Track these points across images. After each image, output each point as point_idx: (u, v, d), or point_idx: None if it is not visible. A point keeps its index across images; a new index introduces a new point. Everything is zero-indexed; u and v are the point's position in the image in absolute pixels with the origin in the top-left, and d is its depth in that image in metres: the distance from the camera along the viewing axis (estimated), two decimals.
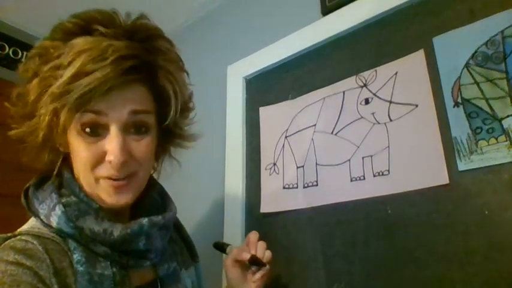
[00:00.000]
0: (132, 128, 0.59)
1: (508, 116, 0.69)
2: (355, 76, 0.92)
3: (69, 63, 0.52)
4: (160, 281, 0.65)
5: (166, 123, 0.63)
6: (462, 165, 0.72)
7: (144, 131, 0.60)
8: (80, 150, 0.57)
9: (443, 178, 0.73)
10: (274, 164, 1.02)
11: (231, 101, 1.17)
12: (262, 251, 0.77)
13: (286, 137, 1.02)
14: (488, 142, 0.70)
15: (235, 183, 1.07)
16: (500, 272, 0.65)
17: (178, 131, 0.68)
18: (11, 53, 1.53)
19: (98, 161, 0.57)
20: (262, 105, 1.09)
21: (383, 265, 0.77)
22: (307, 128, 0.98)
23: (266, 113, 1.08)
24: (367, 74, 0.90)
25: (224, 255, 0.83)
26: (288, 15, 1.13)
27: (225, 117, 1.16)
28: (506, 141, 0.68)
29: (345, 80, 0.93)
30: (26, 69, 0.59)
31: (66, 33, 0.57)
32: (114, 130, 0.56)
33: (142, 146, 0.60)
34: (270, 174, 1.02)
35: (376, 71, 0.89)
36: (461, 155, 0.72)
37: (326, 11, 1.02)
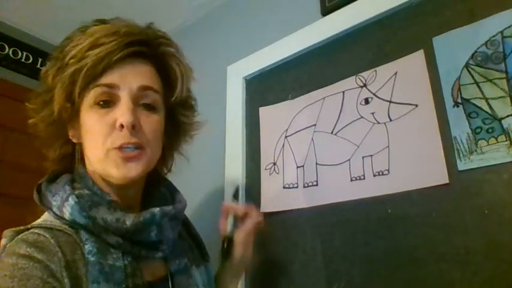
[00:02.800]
0: (142, 104, 0.62)
1: (507, 116, 0.69)
2: (354, 76, 0.92)
3: (86, 40, 0.59)
4: (171, 277, 0.65)
5: (173, 100, 0.67)
6: (462, 165, 0.72)
7: (152, 107, 0.64)
8: (93, 122, 0.60)
9: (443, 178, 0.73)
10: (274, 164, 1.02)
11: (231, 101, 1.17)
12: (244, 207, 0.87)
13: (286, 136, 1.02)
14: (488, 142, 0.70)
15: (235, 183, 1.07)
16: (500, 271, 0.65)
17: (184, 119, 0.72)
18: (10, 53, 1.53)
19: (110, 130, 0.59)
20: (262, 105, 1.09)
21: (383, 265, 0.77)
22: (307, 128, 0.98)
23: (266, 113, 1.08)
24: (366, 74, 0.90)
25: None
26: (288, 15, 1.13)
27: (225, 117, 1.16)
28: (506, 141, 0.68)
29: (344, 80, 0.94)
30: (49, 63, 0.63)
31: (85, 28, 0.62)
32: (124, 97, 0.60)
33: (151, 121, 0.63)
34: (270, 174, 1.02)
35: (375, 71, 0.89)
36: (461, 154, 0.72)
37: (326, 11, 1.02)
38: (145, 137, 0.61)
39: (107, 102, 0.60)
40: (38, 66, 1.60)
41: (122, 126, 0.58)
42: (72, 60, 0.58)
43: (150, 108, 0.63)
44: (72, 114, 0.61)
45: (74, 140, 0.65)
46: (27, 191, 1.50)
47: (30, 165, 1.52)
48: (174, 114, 0.70)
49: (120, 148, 0.59)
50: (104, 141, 0.59)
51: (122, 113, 0.59)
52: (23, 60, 1.56)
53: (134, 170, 0.60)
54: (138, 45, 0.61)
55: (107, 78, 0.59)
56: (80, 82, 0.58)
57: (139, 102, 0.62)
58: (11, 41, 1.54)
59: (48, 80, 0.61)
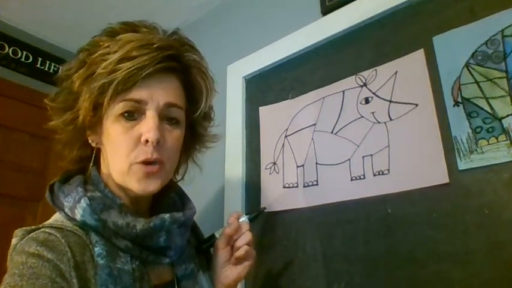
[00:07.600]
0: (165, 118, 0.63)
1: (508, 115, 0.69)
2: (355, 75, 0.92)
3: (117, 50, 0.58)
4: (177, 281, 0.65)
5: (196, 115, 0.69)
6: (462, 165, 0.72)
7: (175, 122, 0.65)
8: (117, 134, 0.60)
9: (443, 177, 0.73)
10: (274, 164, 1.02)
11: (231, 101, 1.17)
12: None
13: (286, 136, 1.02)
14: (488, 141, 0.70)
15: (235, 182, 1.07)
16: (500, 271, 0.65)
17: (203, 131, 0.73)
18: (10, 52, 1.53)
19: (134, 144, 0.60)
20: (262, 105, 1.09)
21: (383, 265, 0.77)
22: (307, 127, 0.98)
23: (266, 113, 1.08)
24: (367, 74, 0.90)
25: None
26: (288, 15, 1.13)
27: (225, 117, 1.16)
28: (507, 140, 0.68)
29: (344, 80, 0.93)
30: (73, 63, 0.63)
31: (114, 32, 0.62)
32: (150, 113, 0.61)
33: (173, 136, 0.64)
34: (270, 174, 1.02)
35: (376, 70, 0.89)
36: (461, 154, 0.72)
37: (326, 10, 1.02)
38: (167, 153, 0.62)
39: (132, 115, 0.61)
40: (38, 65, 1.61)
41: (146, 141, 0.59)
42: (102, 71, 0.57)
43: (173, 123, 0.64)
44: (95, 121, 0.62)
45: (93, 145, 0.65)
46: (27, 191, 1.51)
47: (30, 165, 1.53)
48: (194, 125, 0.72)
49: (143, 163, 0.60)
50: (128, 155, 0.60)
51: (148, 129, 0.59)
52: (22, 59, 1.56)
53: (153, 185, 0.62)
54: (169, 60, 0.62)
55: (136, 94, 0.60)
56: (108, 95, 0.58)
57: (164, 118, 0.63)
58: (10, 41, 1.54)
59: (74, 85, 0.61)
